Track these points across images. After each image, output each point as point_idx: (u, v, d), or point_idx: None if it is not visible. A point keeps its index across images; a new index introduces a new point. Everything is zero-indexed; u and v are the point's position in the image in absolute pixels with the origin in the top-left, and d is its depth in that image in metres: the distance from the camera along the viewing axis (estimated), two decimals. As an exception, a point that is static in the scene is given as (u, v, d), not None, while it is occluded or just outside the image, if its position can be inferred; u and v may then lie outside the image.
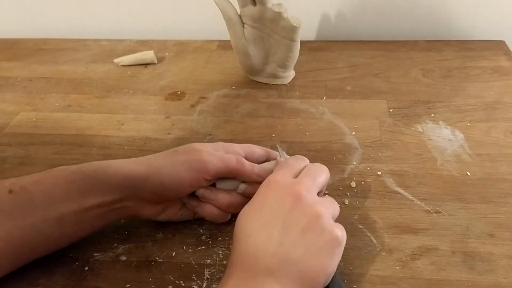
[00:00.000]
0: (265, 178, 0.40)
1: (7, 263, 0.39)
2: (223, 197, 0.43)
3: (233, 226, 0.45)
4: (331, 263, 0.36)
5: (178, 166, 0.41)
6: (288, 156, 0.46)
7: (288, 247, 0.35)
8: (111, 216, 0.42)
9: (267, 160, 0.47)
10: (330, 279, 0.37)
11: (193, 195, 0.44)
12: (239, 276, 0.35)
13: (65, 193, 0.39)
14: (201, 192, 0.43)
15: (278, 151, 0.47)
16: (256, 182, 0.43)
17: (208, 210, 0.44)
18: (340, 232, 0.37)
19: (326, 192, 0.48)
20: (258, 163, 0.45)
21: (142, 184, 0.41)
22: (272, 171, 0.42)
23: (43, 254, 0.41)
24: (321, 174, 0.41)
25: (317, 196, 0.38)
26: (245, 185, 0.44)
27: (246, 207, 0.38)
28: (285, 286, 0.34)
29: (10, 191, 0.38)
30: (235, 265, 0.35)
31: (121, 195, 0.40)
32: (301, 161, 0.42)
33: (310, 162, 0.43)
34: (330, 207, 0.38)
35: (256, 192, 0.39)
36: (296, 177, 0.40)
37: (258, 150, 0.47)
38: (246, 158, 0.45)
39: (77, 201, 0.39)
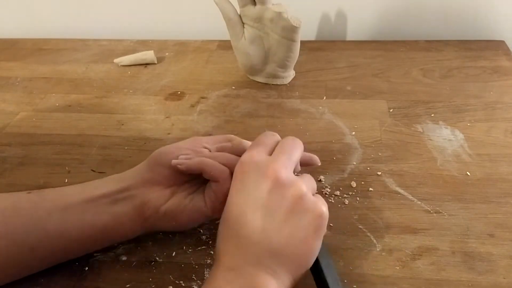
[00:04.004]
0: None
1: (11, 264, 0.39)
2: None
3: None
4: (318, 241, 0.36)
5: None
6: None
7: (272, 235, 0.34)
8: (116, 208, 0.41)
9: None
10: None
11: None
12: (226, 266, 0.34)
13: (74, 188, 0.42)
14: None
15: None
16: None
17: (201, 161, 0.41)
18: (324, 207, 0.36)
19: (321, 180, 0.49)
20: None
21: (142, 166, 0.42)
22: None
23: (47, 260, 0.41)
24: (296, 149, 0.39)
25: (293, 174, 0.37)
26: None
27: (229, 192, 0.37)
28: (275, 273, 0.34)
29: (29, 192, 0.41)
30: (222, 255, 0.35)
31: (126, 183, 0.41)
32: (273, 137, 0.40)
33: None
34: (309, 183, 0.37)
35: (234, 175, 0.38)
36: (270, 154, 0.38)
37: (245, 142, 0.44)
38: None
39: (84, 193, 0.40)
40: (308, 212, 0.35)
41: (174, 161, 0.41)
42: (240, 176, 0.37)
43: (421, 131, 0.57)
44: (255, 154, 0.37)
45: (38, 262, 0.40)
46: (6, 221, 0.39)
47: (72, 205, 0.40)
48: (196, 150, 0.42)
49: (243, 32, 0.64)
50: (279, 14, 0.60)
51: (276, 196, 0.35)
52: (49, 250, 0.40)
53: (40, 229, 0.39)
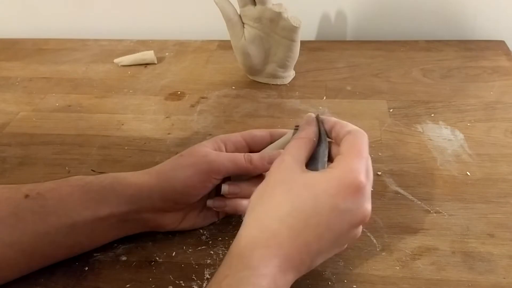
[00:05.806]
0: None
1: (16, 269, 0.39)
2: (246, 188, 0.42)
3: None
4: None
5: (186, 170, 0.41)
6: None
7: (321, 254, 0.35)
8: (127, 227, 0.42)
9: (271, 141, 0.45)
10: None
11: (217, 196, 0.44)
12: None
13: (79, 202, 0.39)
14: (226, 189, 0.42)
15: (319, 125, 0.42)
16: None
17: (237, 205, 0.42)
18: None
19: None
20: (263, 146, 0.44)
21: (154, 194, 0.41)
22: (283, 149, 0.39)
23: (52, 262, 0.41)
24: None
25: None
26: (227, 186, 0.42)
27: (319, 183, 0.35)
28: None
29: (26, 196, 0.39)
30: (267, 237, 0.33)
31: (136, 206, 0.40)
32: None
33: None
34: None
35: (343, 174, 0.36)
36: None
37: (258, 133, 0.45)
38: (248, 145, 0.44)
39: (91, 210, 0.39)
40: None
41: (209, 203, 0.44)
42: (347, 191, 0.35)
43: (421, 131, 0.57)
44: (364, 181, 0.36)
45: (49, 263, 0.41)
46: (10, 231, 0.37)
47: (80, 223, 0.39)
48: (209, 186, 0.42)
49: (243, 32, 0.64)
50: (279, 14, 0.60)
51: (353, 233, 0.36)
52: (61, 254, 0.41)
53: (50, 242, 0.39)
